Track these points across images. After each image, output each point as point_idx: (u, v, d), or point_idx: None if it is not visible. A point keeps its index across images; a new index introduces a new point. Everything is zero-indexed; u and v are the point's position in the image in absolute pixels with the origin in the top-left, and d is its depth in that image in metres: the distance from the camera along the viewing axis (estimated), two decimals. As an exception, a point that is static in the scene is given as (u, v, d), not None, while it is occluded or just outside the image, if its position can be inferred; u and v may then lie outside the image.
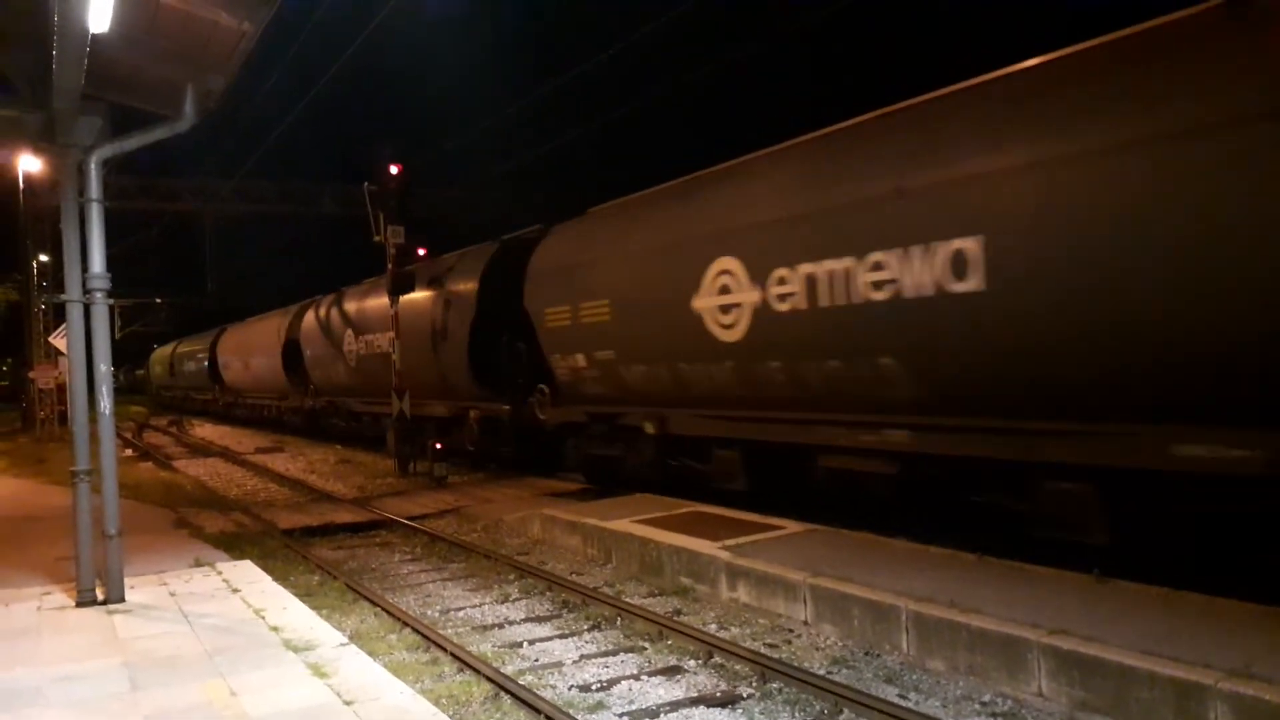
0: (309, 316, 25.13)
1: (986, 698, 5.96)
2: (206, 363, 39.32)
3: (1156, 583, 6.76)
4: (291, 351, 26.79)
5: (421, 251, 18.78)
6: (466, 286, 16.43)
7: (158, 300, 53.38)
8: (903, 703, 5.89)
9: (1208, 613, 6.15)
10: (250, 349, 31.73)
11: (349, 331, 21.80)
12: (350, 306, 22.08)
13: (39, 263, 30.74)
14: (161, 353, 57.12)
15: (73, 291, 7.89)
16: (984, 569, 7.59)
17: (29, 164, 15.77)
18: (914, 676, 6.41)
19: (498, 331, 15.73)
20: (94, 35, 6.31)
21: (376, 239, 18.08)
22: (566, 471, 15.66)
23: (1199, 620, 6.00)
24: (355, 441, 24.11)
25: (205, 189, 31.76)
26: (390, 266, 17.99)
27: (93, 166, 7.67)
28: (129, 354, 69.45)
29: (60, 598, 8.13)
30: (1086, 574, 7.04)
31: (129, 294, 47.62)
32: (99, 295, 7.79)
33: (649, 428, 12.24)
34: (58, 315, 26.22)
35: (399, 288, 17.80)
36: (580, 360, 13.12)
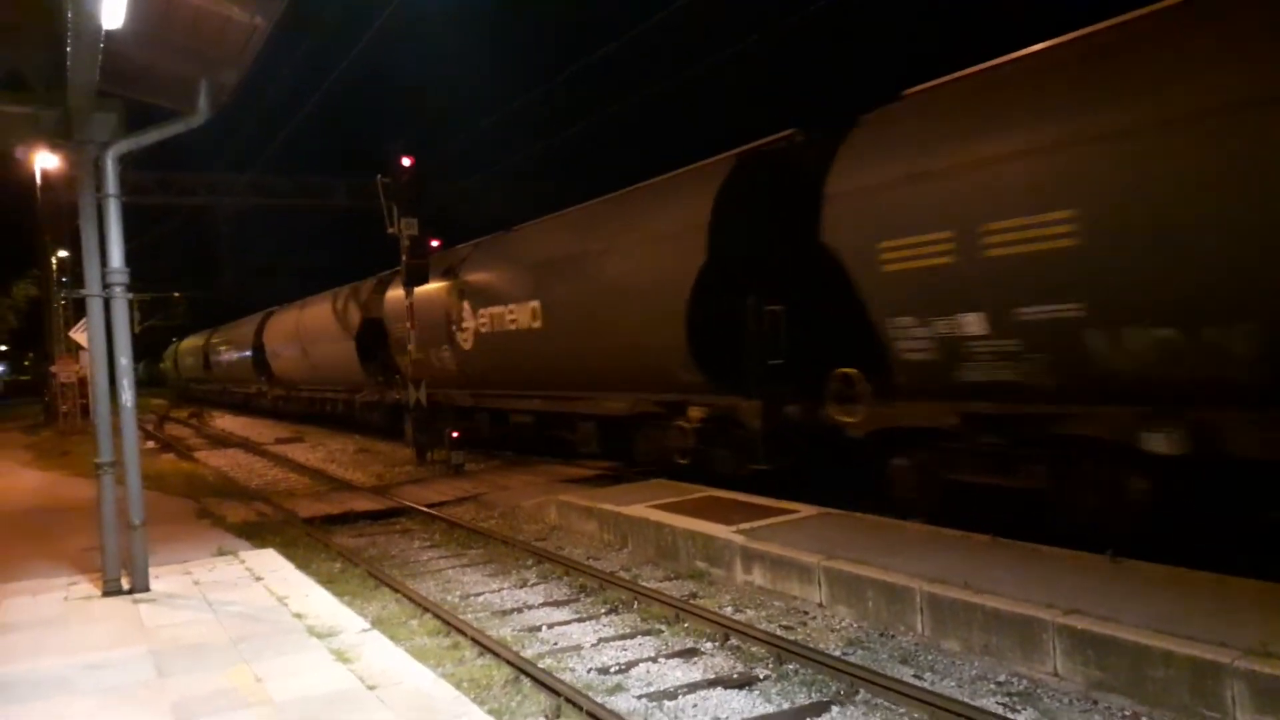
0: (395, 292, 20.06)
1: (1002, 678, 5.99)
2: (251, 351, 34.91)
3: (1170, 563, 6.76)
4: (371, 335, 22.39)
5: (435, 243, 18.87)
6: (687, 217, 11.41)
7: (175, 295, 53.74)
8: (918, 683, 5.93)
9: (1223, 592, 6.14)
10: (309, 334, 27.41)
11: (465, 305, 17.39)
12: (473, 275, 17.22)
13: (58, 258, 31.00)
14: (191, 343, 53.45)
15: (92, 286, 7.97)
16: (998, 550, 7.60)
17: (46, 160, 15.89)
18: (929, 657, 6.45)
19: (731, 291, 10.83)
20: (108, 31, 6.35)
21: (391, 231, 18.17)
22: (580, 458, 15.45)
23: (1214, 600, 5.99)
24: (373, 431, 24.26)
25: (220, 183, 31.88)
26: (404, 258, 18.07)
27: (109, 162, 7.73)
28: (148, 347, 69.98)
29: (86, 587, 8.25)
30: (1100, 554, 7.04)
31: (147, 288, 48.01)
32: (118, 289, 7.86)
33: None
34: (78, 310, 26.48)
35: (414, 279, 17.88)
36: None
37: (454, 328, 17.52)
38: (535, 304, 14.59)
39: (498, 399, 17.26)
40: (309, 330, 27.42)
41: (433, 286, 18.06)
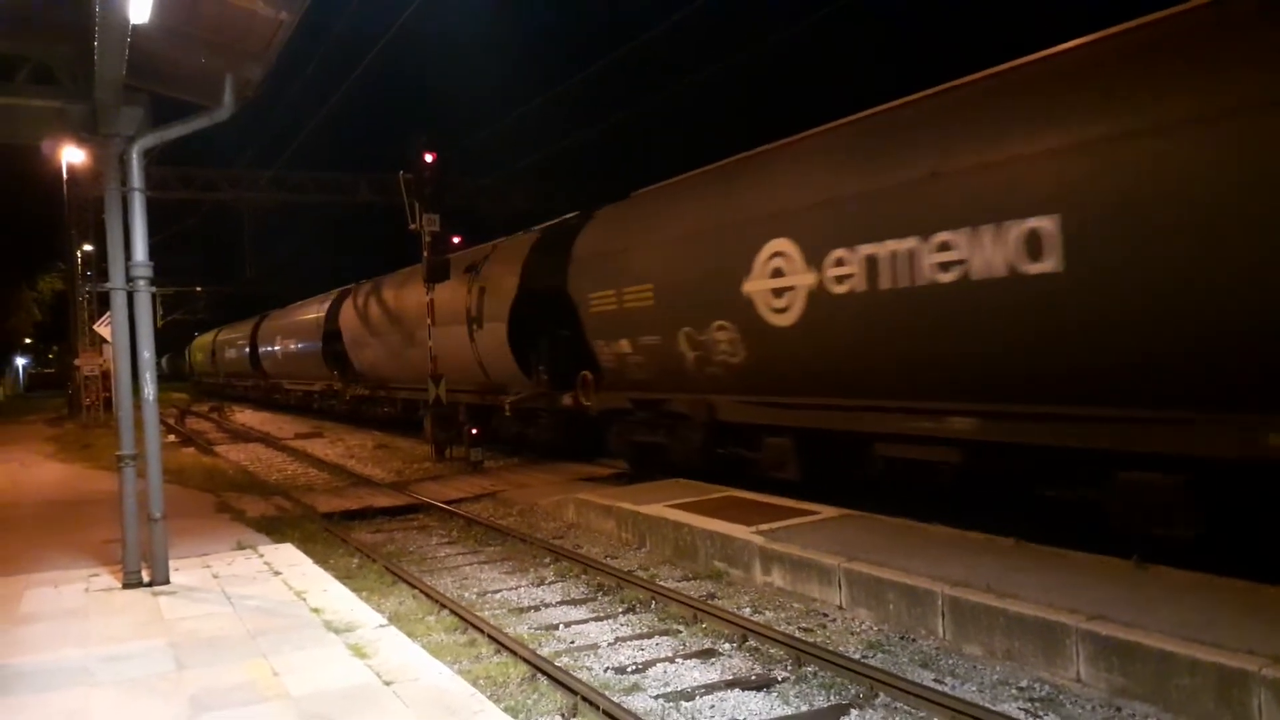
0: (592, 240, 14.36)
1: (1024, 683, 5.92)
2: (320, 343, 28.49)
3: (1197, 569, 6.67)
4: (537, 313, 15.78)
5: (456, 239, 18.92)
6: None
7: (198, 289, 54.17)
8: (938, 687, 5.87)
9: (1250, 599, 6.04)
10: (413, 319, 20.51)
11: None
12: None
13: (83, 252, 31.31)
14: (226, 335, 47.83)
15: (116, 279, 8.01)
16: (1022, 554, 7.52)
17: (72, 155, 16.03)
18: (950, 661, 6.38)
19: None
20: (134, 26, 6.39)
21: (413, 227, 18.25)
22: (609, 458, 15.50)
23: (1241, 607, 5.90)
24: (393, 427, 24.34)
25: (243, 179, 32.10)
26: (426, 254, 18.13)
27: (135, 156, 7.79)
28: (169, 342, 70.59)
29: (107, 579, 8.31)
30: (1126, 560, 6.95)
31: (170, 282, 48.42)
32: (142, 283, 7.91)
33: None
34: (102, 303, 26.72)
35: (435, 275, 17.92)
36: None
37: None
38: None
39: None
40: (413, 314, 20.52)
41: (455, 282, 18.07)
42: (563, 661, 6.59)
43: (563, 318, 14.67)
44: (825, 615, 7.52)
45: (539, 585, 8.97)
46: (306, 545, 10.14)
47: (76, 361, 31.11)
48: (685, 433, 12.49)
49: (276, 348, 35.68)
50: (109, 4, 6.01)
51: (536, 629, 7.52)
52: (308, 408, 33.95)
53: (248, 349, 40.80)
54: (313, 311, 30.62)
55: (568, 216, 16.26)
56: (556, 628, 7.55)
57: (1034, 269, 7.27)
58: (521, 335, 16.00)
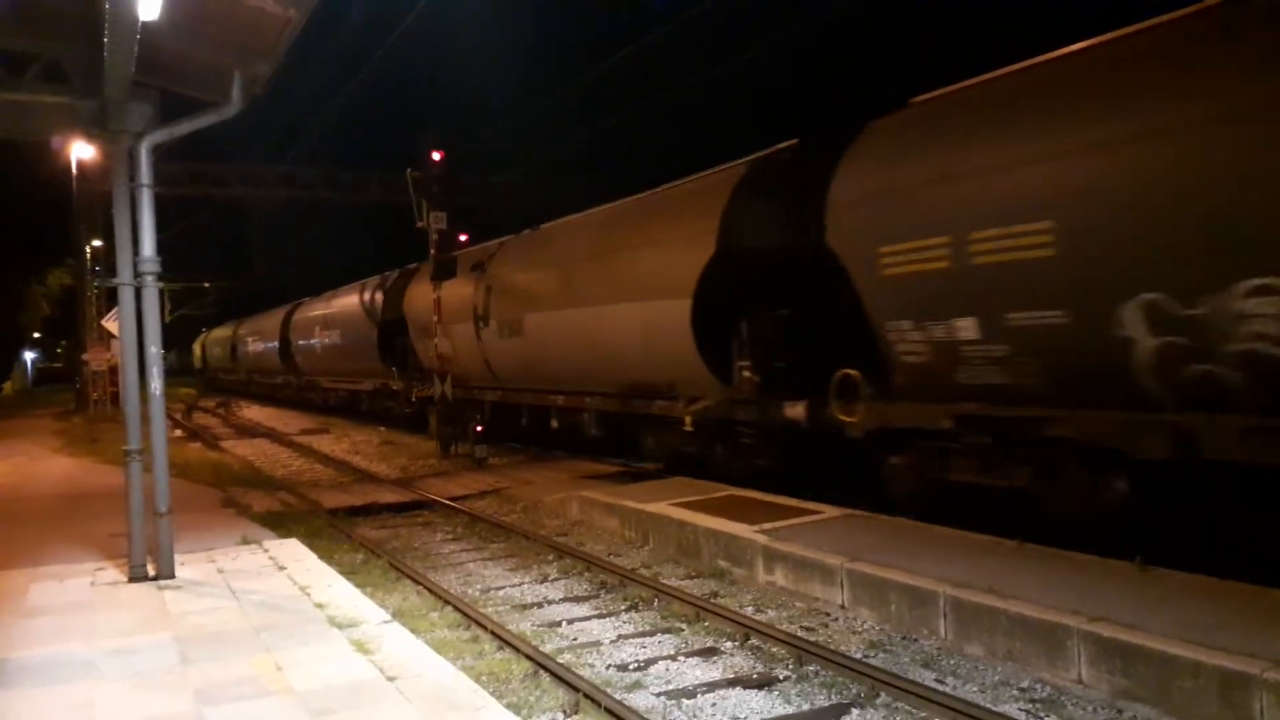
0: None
1: (1025, 684, 5.92)
2: (376, 333, 23.89)
3: (1200, 571, 6.66)
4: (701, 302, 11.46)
5: (463, 237, 18.95)
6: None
7: (205, 285, 54.26)
8: (940, 687, 5.88)
9: (1253, 602, 6.04)
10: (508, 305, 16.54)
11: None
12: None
13: (92, 248, 31.42)
14: (251, 327, 42.34)
15: (124, 275, 8.04)
16: (1024, 555, 7.52)
17: (82, 151, 16.11)
18: (952, 661, 6.39)
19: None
20: (144, 23, 6.41)
21: (420, 225, 18.28)
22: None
23: (1244, 609, 5.89)
24: (398, 424, 24.40)
25: (253, 175, 32.17)
26: (433, 252, 18.17)
27: (143, 152, 7.81)
28: (178, 337, 70.70)
29: (113, 573, 8.34)
30: (1129, 561, 6.94)
31: (178, 278, 48.46)
32: (149, 278, 7.94)
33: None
34: (110, 299, 26.81)
35: (442, 273, 17.95)
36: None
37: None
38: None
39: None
40: (526, 293, 16.05)
41: (462, 280, 18.08)
42: (565, 659, 6.60)
43: (790, 290, 10.54)
44: (827, 615, 7.53)
45: (542, 582, 8.99)
46: (311, 541, 10.16)
47: (84, 356, 31.21)
48: (1078, 476, 7.91)
49: (315, 340, 30.35)
50: (118, 1, 6.03)
51: (539, 626, 7.54)
52: (352, 409, 28.94)
53: (276, 343, 35.79)
54: (363, 296, 25.20)
55: (785, 145, 11.25)
56: (559, 625, 7.57)
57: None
58: (707, 317, 11.32)
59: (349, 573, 8.77)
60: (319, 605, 7.10)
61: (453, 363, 18.35)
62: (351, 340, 26.33)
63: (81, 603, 7.42)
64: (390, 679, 5.45)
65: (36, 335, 63.74)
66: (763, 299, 10.97)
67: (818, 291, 9.85)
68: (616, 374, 13.54)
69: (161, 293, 8.27)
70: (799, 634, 6.97)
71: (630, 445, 14.76)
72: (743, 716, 5.67)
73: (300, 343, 32.82)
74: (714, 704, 5.84)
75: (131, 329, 8.14)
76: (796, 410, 10.36)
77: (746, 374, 11.12)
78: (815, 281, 9.80)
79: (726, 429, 11.86)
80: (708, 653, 6.76)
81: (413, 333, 21.31)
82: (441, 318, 18.27)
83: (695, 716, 5.70)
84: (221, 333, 52.11)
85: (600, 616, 7.79)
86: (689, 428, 12.15)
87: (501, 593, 8.66)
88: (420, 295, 20.07)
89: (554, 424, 16.37)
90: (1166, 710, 5.33)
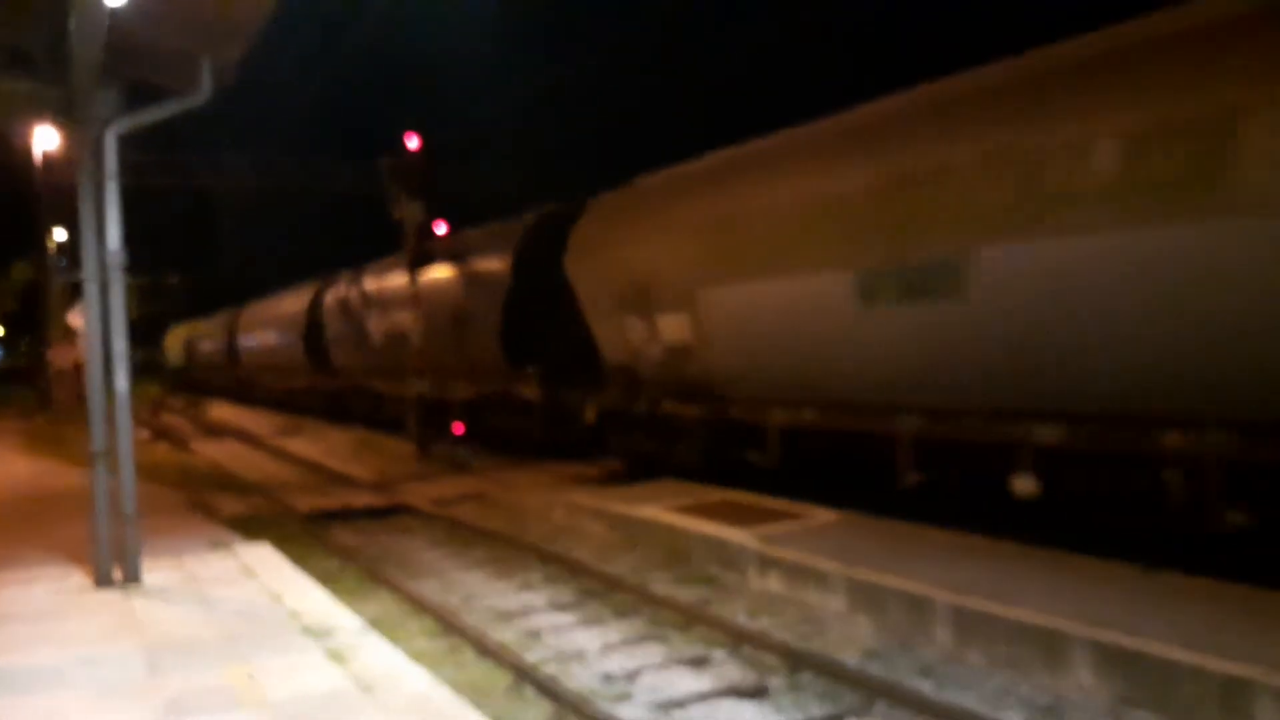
0: None
1: (1025, 692, 5.81)
2: (500, 316, 15.41)
3: (1202, 575, 6.58)
4: None
5: (442, 229, 18.55)
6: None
7: (174, 281, 53.56)
8: (938, 696, 5.73)
9: (1255, 606, 6.00)
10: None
11: None
12: None
13: (57, 242, 30.83)
14: (256, 314, 32.47)
15: (89, 268, 7.80)
16: (1025, 560, 7.42)
17: (46, 141, 15.73)
18: (951, 670, 6.26)
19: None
20: (111, 9, 6.22)
21: (396, 216, 17.90)
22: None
23: (1245, 614, 5.86)
24: (375, 423, 24.01)
25: (223, 164, 31.73)
26: (410, 243, 17.82)
27: (109, 141, 7.58)
28: (146, 333, 69.77)
29: (79, 579, 8.08)
30: (1130, 565, 6.87)
31: (147, 273, 47.80)
32: (115, 273, 7.70)
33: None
34: (75, 293, 26.28)
35: (418, 265, 17.63)
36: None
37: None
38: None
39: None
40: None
41: (441, 273, 17.66)
42: (549, 669, 6.44)
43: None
44: (823, 622, 7.38)
45: (525, 590, 8.78)
46: (284, 546, 9.88)
47: (48, 354, 30.63)
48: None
49: (373, 328, 20.80)
50: (84, -17, 5.80)
51: (522, 635, 7.35)
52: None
53: (299, 335, 25.94)
54: (474, 263, 16.65)
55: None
56: (543, 634, 7.38)
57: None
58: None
59: (323, 580, 8.51)
60: (292, 613, 6.88)
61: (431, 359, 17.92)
62: (450, 325, 17.29)
63: (48, 610, 7.17)
64: (366, 690, 5.25)
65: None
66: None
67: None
68: None
69: (128, 288, 8.00)
70: (793, 642, 6.80)
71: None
72: (735, 728, 5.51)
73: (340, 330, 23.04)
74: (704, 714, 5.73)
75: (97, 325, 7.88)
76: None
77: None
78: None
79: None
80: (698, 662, 6.60)
81: (590, 315, 13.63)
82: (421, 313, 17.83)
83: (686, 728, 5.53)
84: (206, 325, 42.62)
85: (586, 625, 7.60)
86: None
87: (483, 601, 8.45)
88: (600, 262, 13.15)
89: None
90: (1168, 716, 5.26)
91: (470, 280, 16.61)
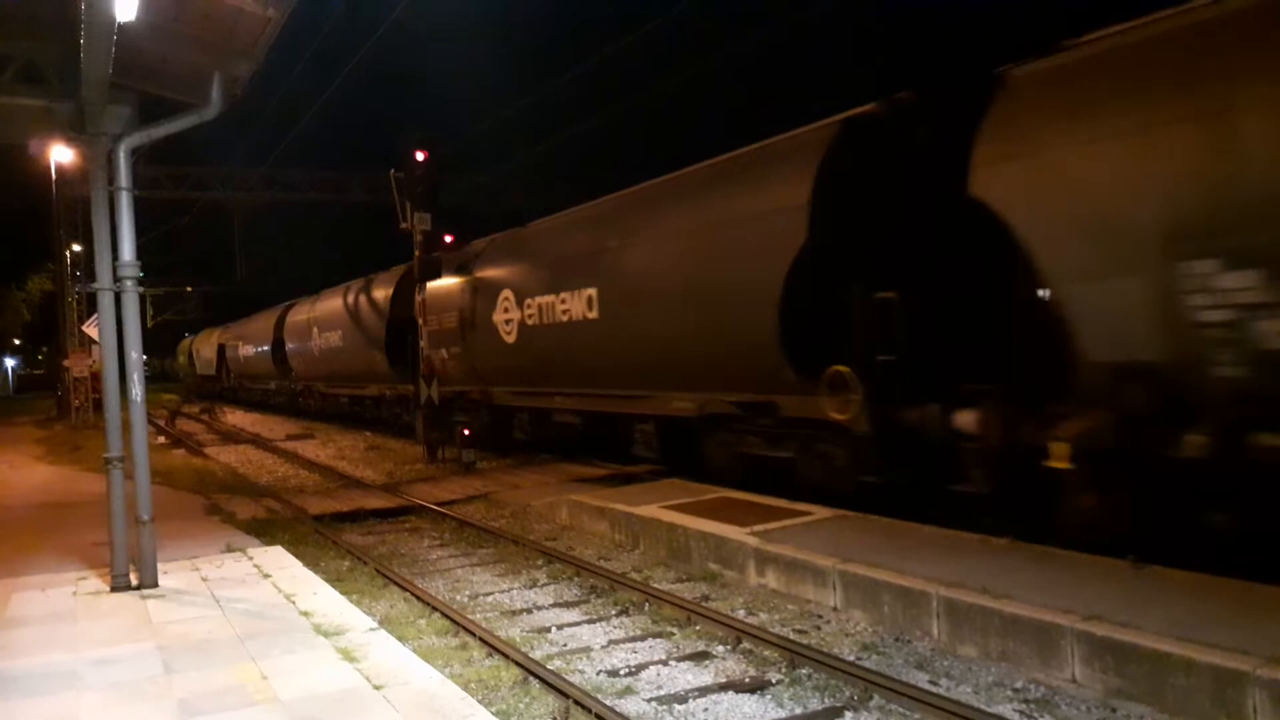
0: None
1: (1019, 684, 5.89)
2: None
3: (1193, 569, 6.65)
4: None
5: (448, 239, 18.79)
6: None
7: (188, 289, 53.86)
8: (933, 689, 5.84)
9: (1247, 599, 6.04)
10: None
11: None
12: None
13: (72, 252, 31.12)
14: (302, 314, 29.03)
15: (103, 279, 7.94)
16: (1016, 554, 7.50)
17: (60, 154, 15.93)
18: (945, 663, 6.35)
19: None
20: (121, 24, 6.32)
21: (404, 227, 18.15)
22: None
23: (1238, 606, 5.89)
24: (384, 428, 24.21)
25: (235, 177, 31.96)
26: (417, 253, 18.05)
27: (122, 155, 7.70)
28: (162, 343, 70.19)
29: (95, 582, 8.23)
30: (1122, 559, 6.94)
31: (161, 282, 48.09)
32: (129, 283, 7.85)
33: None
34: (91, 304, 26.54)
35: (426, 274, 17.84)
36: None
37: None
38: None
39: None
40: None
41: (449, 281, 17.95)
42: (555, 665, 6.54)
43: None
44: (820, 617, 7.48)
45: (531, 588, 8.91)
46: (297, 548, 10.06)
47: (65, 363, 30.92)
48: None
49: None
50: (95, 1, 5.94)
51: (529, 632, 7.46)
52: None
53: (336, 339, 25.12)
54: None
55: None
56: (549, 630, 7.49)
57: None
58: None
59: (335, 580, 8.68)
60: (304, 613, 7.02)
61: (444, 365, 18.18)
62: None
63: (64, 613, 7.31)
64: (377, 687, 5.37)
65: (17, 342, 63.21)
66: None
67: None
68: None
69: (143, 298, 8.16)
70: (791, 637, 6.92)
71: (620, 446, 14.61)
72: (735, 721, 5.61)
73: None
74: (706, 709, 5.78)
75: (111, 334, 8.04)
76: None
77: None
78: None
79: None
80: (699, 657, 6.70)
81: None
82: (427, 321, 18.11)
83: (687, 721, 5.64)
84: (222, 333, 43.40)
85: (590, 622, 7.72)
86: None
87: (490, 599, 8.58)
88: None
89: None
90: (1160, 709, 5.31)
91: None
